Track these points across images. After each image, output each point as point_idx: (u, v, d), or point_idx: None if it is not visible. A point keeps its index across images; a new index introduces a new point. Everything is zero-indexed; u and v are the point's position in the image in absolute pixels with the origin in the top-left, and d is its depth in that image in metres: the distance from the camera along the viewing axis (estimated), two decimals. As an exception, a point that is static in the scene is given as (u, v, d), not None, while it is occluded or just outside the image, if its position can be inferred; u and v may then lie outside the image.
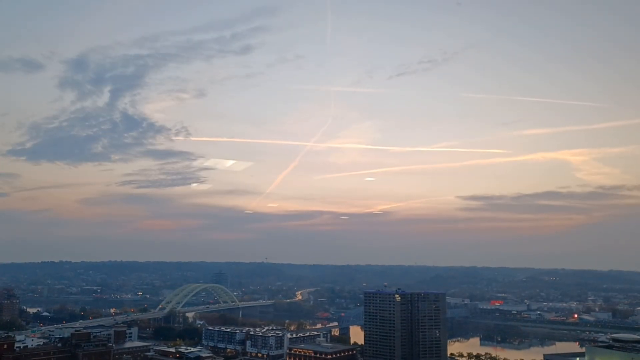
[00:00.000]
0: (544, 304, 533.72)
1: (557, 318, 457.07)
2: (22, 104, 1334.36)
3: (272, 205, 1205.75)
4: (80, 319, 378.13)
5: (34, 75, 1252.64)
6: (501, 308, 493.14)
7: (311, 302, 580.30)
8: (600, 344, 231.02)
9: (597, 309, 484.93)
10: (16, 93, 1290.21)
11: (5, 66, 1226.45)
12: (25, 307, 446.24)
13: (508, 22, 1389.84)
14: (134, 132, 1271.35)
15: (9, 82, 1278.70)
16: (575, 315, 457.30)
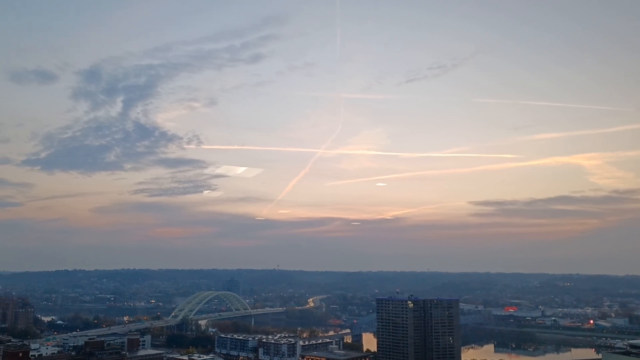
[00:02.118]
0: (559, 309, 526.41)
1: (572, 324, 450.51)
2: (36, 114, 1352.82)
3: (283, 212, 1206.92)
4: (94, 327, 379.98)
5: (48, 86, 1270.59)
6: (515, 314, 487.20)
7: (323, 309, 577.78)
8: (618, 350, 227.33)
9: (613, 315, 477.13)
10: (30, 104, 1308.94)
11: (20, 78, 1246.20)
12: (39, 316, 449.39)
13: (518, 26, 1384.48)
14: (146, 141, 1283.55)
15: (23, 94, 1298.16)
16: (591, 321, 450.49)
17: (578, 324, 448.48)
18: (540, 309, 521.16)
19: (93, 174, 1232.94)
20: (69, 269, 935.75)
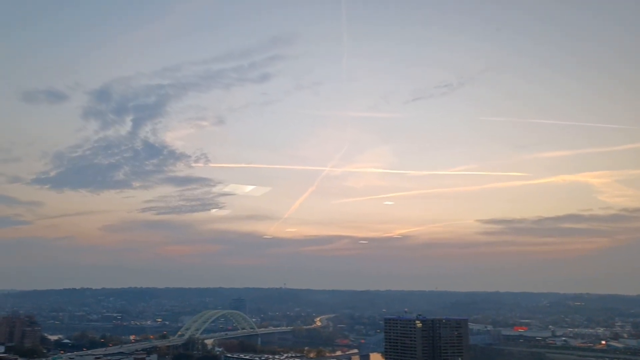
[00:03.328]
0: (570, 330, 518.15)
1: (583, 345, 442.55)
2: (46, 134, 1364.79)
3: (290, 231, 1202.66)
4: (101, 346, 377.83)
5: (59, 105, 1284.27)
6: (525, 334, 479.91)
7: (330, 328, 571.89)
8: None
9: (625, 336, 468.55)
10: (41, 123, 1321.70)
11: (31, 97, 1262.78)
12: (46, 334, 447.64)
13: (524, 44, 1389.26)
14: (154, 159, 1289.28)
15: (34, 113, 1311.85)
16: (603, 342, 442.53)
17: (590, 345, 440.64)
18: (550, 329, 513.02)
19: (102, 192, 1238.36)
20: (77, 288, 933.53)
